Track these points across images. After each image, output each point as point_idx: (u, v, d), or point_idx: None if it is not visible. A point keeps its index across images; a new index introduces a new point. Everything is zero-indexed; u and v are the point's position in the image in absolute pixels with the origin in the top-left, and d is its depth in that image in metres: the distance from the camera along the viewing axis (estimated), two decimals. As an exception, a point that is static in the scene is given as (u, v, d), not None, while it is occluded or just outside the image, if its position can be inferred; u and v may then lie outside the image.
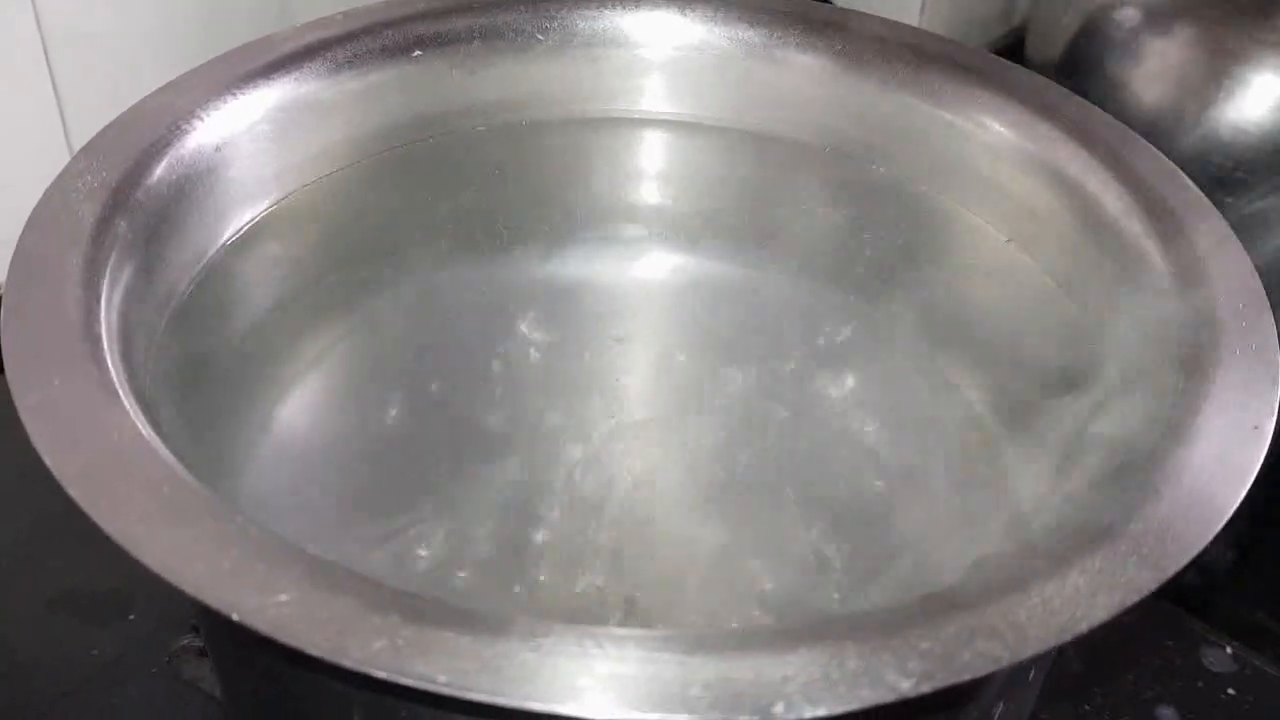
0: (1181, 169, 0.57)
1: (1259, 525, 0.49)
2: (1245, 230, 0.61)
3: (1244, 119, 0.62)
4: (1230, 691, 0.43)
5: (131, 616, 0.43)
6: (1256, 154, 0.62)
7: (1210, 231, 0.34)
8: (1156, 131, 0.63)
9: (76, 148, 0.54)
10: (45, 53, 0.52)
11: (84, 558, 0.44)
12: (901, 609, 0.23)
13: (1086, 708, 0.42)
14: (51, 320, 0.29)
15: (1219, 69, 0.62)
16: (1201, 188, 0.60)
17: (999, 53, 0.84)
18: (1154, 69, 0.65)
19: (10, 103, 0.51)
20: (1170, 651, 0.44)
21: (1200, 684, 0.43)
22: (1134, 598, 0.23)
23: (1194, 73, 0.63)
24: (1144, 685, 0.43)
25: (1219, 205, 0.60)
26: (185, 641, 0.42)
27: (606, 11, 0.44)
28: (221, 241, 0.38)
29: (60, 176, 0.34)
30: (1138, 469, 0.27)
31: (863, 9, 0.71)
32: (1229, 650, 0.44)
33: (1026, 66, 0.71)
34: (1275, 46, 0.61)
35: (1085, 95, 0.64)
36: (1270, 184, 0.63)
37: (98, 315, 0.30)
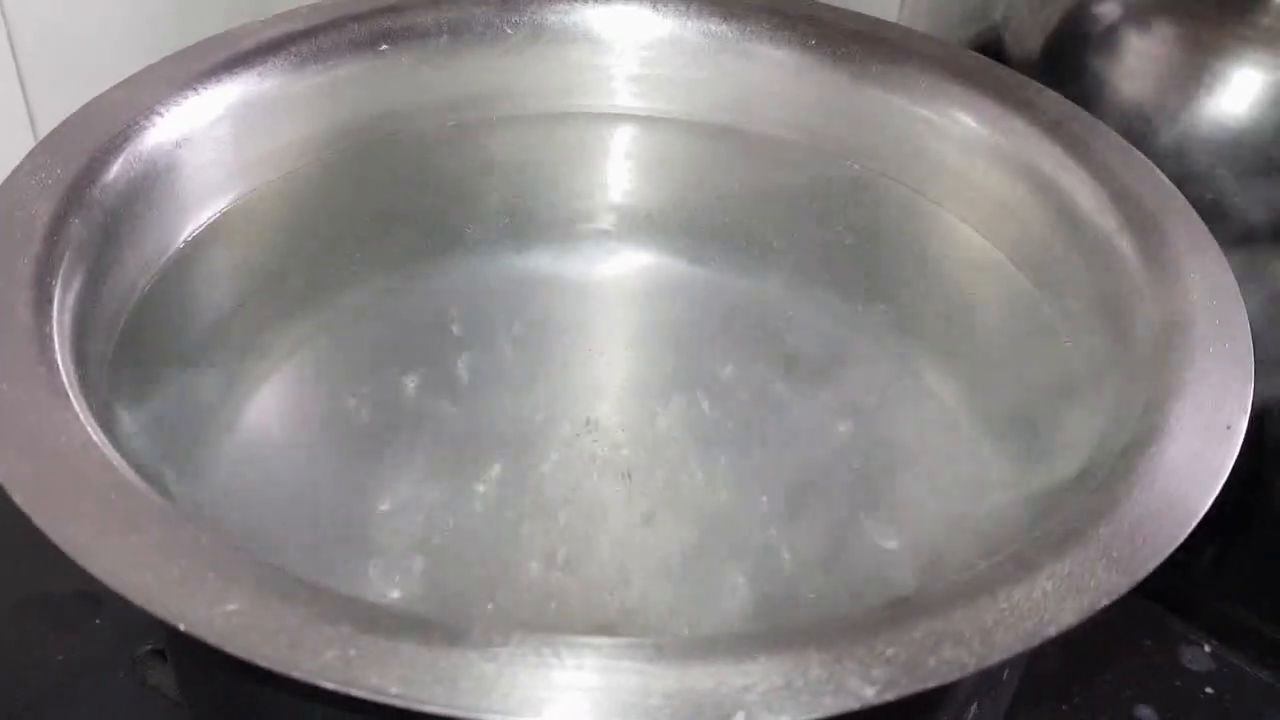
0: (1160, 165, 0.56)
1: (1237, 522, 0.49)
2: (1223, 226, 0.61)
3: (1223, 114, 0.62)
4: (1209, 690, 0.43)
5: (98, 620, 0.43)
6: (1235, 150, 0.62)
7: (1184, 228, 0.34)
8: (1135, 127, 0.62)
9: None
10: (10, 44, 0.51)
11: (50, 561, 0.43)
12: (866, 615, 0.23)
13: (1065, 707, 0.42)
14: (0, 321, 0.29)
15: (1198, 64, 0.62)
16: (1180, 183, 0.60)
17: (978, 48, 0.84)
18: (1133, 64, 0.64)
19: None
20: (1149, 650, 0.44)
21: (1179, 683, 0.43)
22: (1103, 601, 0.23)
23: (1173, 68, 0.63)
24: (1123, 684, 0.43)
25: (1198, 201, 0.60)
26: (149, 647, 0.41)
27: (577, 5, 0.43)
28: (181, 239, 0.38)
29: (13, 174, 0.33)
30: (1108, 469, 0.26)
31: (843, 5, 0.71)
32: (1207, 649, 0.44)
33: (1005, 62, 0.71)
34: (1254, 42, 0.61)
35: (1064, 90, 0.64)
36: (1249, 180, 0.62)
37: (49, 316, 0.30)
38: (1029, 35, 0.70)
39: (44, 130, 0.53)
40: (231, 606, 0.22)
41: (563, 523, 0.32)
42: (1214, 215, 0.60)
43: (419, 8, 0.42)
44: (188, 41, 0.45)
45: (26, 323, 0.29)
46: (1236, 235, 0.61)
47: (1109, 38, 0.64)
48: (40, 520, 0.24)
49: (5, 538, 0.44)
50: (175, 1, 0.55)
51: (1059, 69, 0.67)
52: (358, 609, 0.23)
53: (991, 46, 0.79)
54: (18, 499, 0.24)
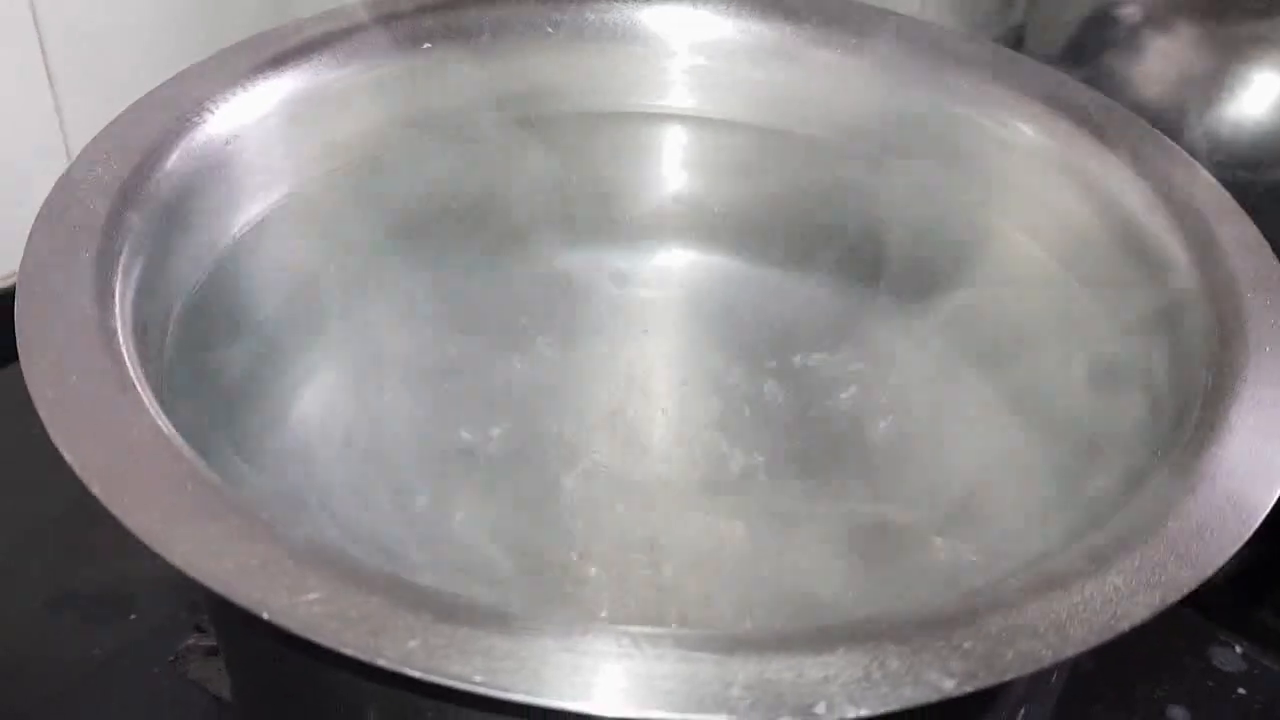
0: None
1: (1269, 525, 0.49)
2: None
3: (1245, 116, 0.62)
4: (1240, 691, 0.43)
5: (132, 616, 0.43)
6: (1258, 151, 0.62)
7: (1233, 227, 0.34)
8: (1158, 127, 0.63)
9: (72, 142, 0.53)
10: (41, 48, 0.51)
11: (85, 557, 0.44)
12: (942, 608, 0.23)
13: (1098, 707, 0.42)
14: (66, 315, 0.29)
15: (1220, 66, 0.62)
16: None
17: (999, 49, 0.84)
18: (1155, 66, 0.65)
19: (6, 98, 0.51)
20: (1180, 651, 0.44)
21: (1210, 683, 0.43)
22: (1174, 596, 0.23)
23: (1195, 70, 0.63)
24: (1154, 685, 0.43)
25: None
26: (192, 641, 0.41)
27: (618, 5, 0.44)
28: (232, 234, 0.38)
29: (70, 169, 0.33)
30: (1172, 467, 0.27)
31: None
32: (1239, 650, 0.44)
33: (1027, 63, 0.71)
34: (1276, 45, 0.61)
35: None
36: (1269, 181, 0.62)
37: (112, 309, 0.30)
38: (1050, 37, 0.71)
39: (71, 126, 0.53)
40: (313, 595, 0.23)
41: (623, 517, 0.32)
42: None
43: (462, 6, 0.42)
44: (212, 39, 0.45)
45: (92, 316, 0.29)
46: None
47: (1130, 39, 0.64)
48: (118, 511, 0.24)
49: (39, 535, 0.45)
50: (202, 5, 0.55)
51: (1079, 70, 0.67)
52: (438, 599, 0.23)
53: (1012, 48, 0.80)
54: (95, 490, 0.24)
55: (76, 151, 0.51)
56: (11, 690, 0.40)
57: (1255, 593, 0.49)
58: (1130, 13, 0.65)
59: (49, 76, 0.52)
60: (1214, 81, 0.62)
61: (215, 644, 0.40)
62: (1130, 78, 0.64)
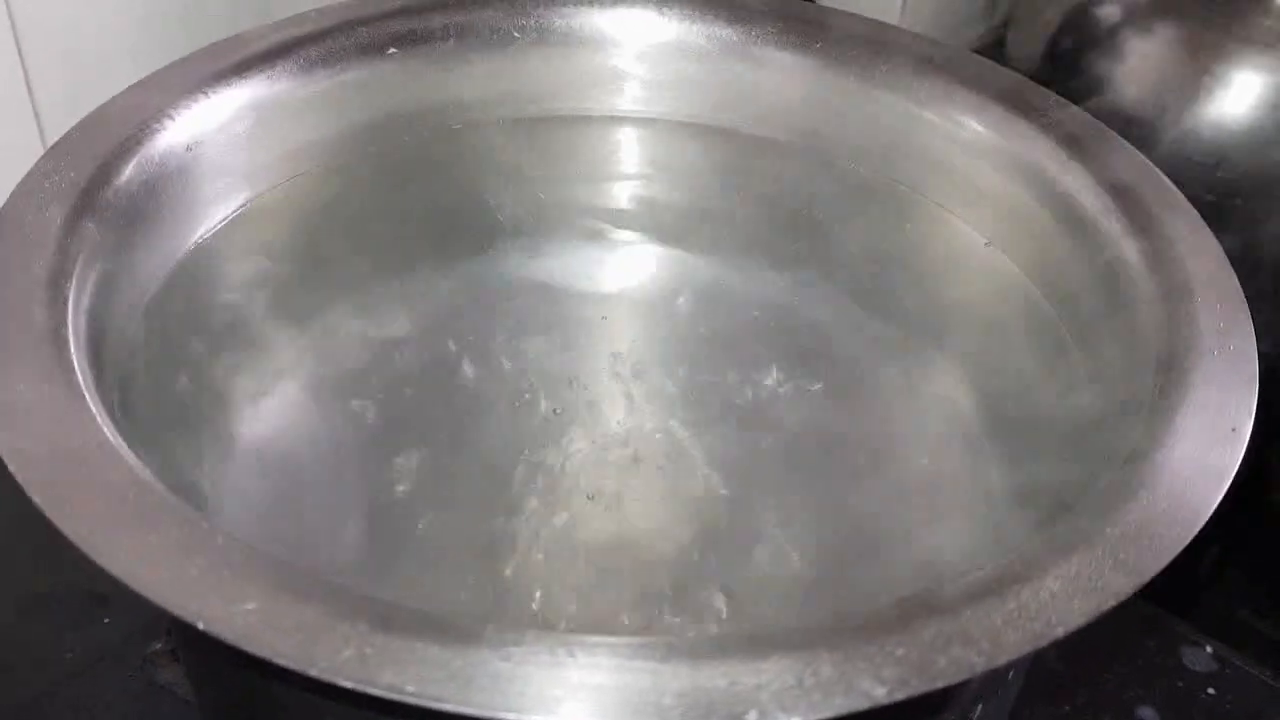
0: (1161, 165, 0.56)
1: (1239, 523, 0.49)
2: (1224, 226, 0.61)
3: (1224, 115, 0.62)
4: (1210, 691, 0.43)
5: (106, 620, 0.43)
6: (1236, 150, 0.62)
7: (1188, 232, 0.34)
8: (1137, 128, 0.63)
9: (50, 141, 0.53)
10: (17, 43, 0.51)
11: (58, 560, 0.43)
12: (876, 614, 0.23)
13: (1067, 708, 0.42)
14: (16, 323, 0.29)
15: (1199, 66, 0.62)
16: (1182, 184, 0.60)
17: (981, 49, 0.84)
18: (1134, 66, 0.65)
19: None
20: (1151, 651, 0.44)
21: (1180, 684, 0.43)
22: (1110, 603, 0.23)
23: (1174, 70, 0.63)
24: (1124, 685, 0.43)
25: (1198, 202, 0.60)
26: (160, 645, 0.41)
27: (584, 9, 0.44)
28: (193, 241, 0.38)
29: (26, 177, 0.33)
30: (1115, 471, 0.27)
31: (845, 6, 0.71)
32: (1209, 650, 0.44)
33: (1008, 63, 0.71)
34: (1255, 44, 0.61)
35: (1066, 92, 0.64)
36: (1250, 180, 0.63)
37: (65, 318, 0.30)
38: (1031, 37, 0.71)
39: (50, 127, 0.53)
40: (249, 605, 0.23)
41: (579, 528, 0.33)
42: (1215, 216, 0.61)
43: (426, 11, 0.42)
44: (192, 40, 0.45)
45: (42, 324, 0.29)
46: (1237, 233, 0.62)
47: (1110, 40, 0.64)
48: (58, 519, 0.24)
49: (14, 537, 0.45)
50: (181, 2, 0.55)
51: (1061, 70, 0.67)
52: (373, 607, 0.23)
53: (993, 48, 0.80)
54: (36, 498, 0.25)
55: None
56: (-15, 692, 0.40)
57: (1226, 592, 0.49)
58: (1110, 12, 0.65)
59: (25, 73, 0.52)
60: (1193, 80, 0.62)
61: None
62: (1110, 77, 0.65)
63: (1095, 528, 0.25)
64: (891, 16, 0.78)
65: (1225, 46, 0.61)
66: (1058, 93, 0.66)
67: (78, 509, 0.24)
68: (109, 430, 0.27)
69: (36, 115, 0.53)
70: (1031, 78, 0.68)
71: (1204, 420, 0.28)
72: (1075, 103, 0.63)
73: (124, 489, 0.25)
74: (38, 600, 0.43)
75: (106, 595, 0.43)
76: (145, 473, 0.26)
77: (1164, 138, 0.63)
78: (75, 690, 0.41)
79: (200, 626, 0.22)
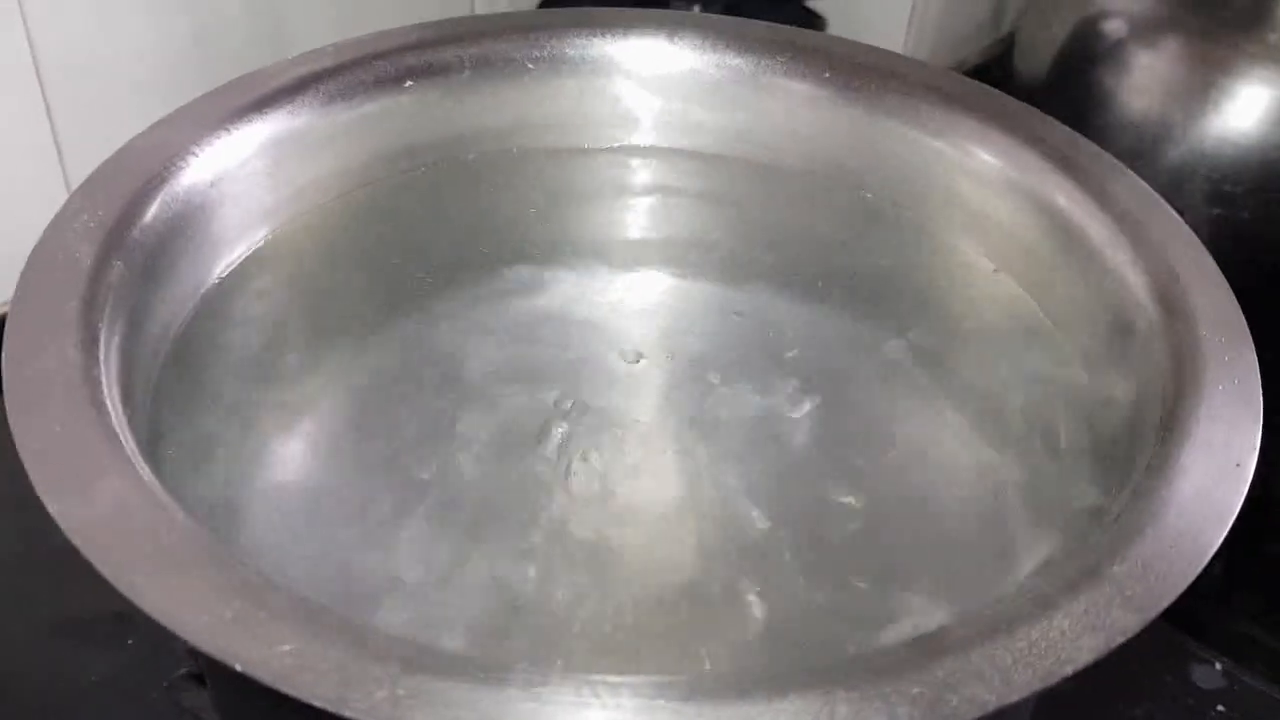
0: (1167, 180, 0.57)
1: (1248, 539, 0.49)
2: (1229, 241, 0.61)
3: (1230, 130, 0.62)
4: (1220, 708, 0.43)
5: (130, 642, 0.43)
6: (1242, 165, 0.62)
7: (1195, 265, 0.34)
8: (1143, 142, 0.63)
9: (71, 172, 0.54)
10: (38, 77, 0.52)
11: (82, 582, 0.44)
12: (890, 653, 0.24)
13: (1075, 726, 0.42)
14: (52, 364, 0.30)
15: (1205, 81, 0.62)
16: (1186, 198, 0.60)
17: (987, 63, 0.85)
18: (1141, 80, 0.65)
19: (4, 129, 0.52)
20: (1159, 668, 0.44)
21: (1190, 701, 0.43)
22: (1118, 640, 0.24)
23: (1180, 84, 0.64)
24: (1134, 702, 0.43)
25: (1204, 216, 0.61)
26: (185, 670, 0.42)
27: (595, 39, 0.44)
28: (216, 275, 0.39)
29: (57, 217, 0.34)
30: (1121, 507, 0.27)
31: (852, 20, 0.72)
32: (1218, 667, 0.44)
33: (1014, 77, 0.71)
34: (1261, 59, 0.62)
35: (1071, 106, 0.65)
36: (1256, 195, 0.63)
37: (97, 357, 0.31)
38: (1037, 51, 0.71)
39: (71, 159, 0.54)
40: (285, 647, 0.23)
41: (596, 559, 0.33)
42: (1220, 230, 0.61)
43: (442, 44, 0.43)
44: (209, 75, 0.46)
45: (77, 364, 0.30)
46: (1242, 248, 0.62)
47: (1116, 53, 0.65)
48: (98, 562, 0.25)
49: (37, 560, 0.45)
50: (196, 37, 0.56)
51: (1067, 84, 0.68)
52: (405, 648, 0.24)
53: (999, 62, 0.80)
54: (75, 540, 0.25)
55: (74, 179, 0.52)
56: (8, 714, 0.41)
57: (1236, 609, 0.49)
58: (1116, 27, 0.66)
59: (46, 106, 0.53)
60: (1199, 94, 0.62)
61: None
62: (1116, 90, 0.65)
63: (1102, 565, 0.25)
64: (899, 29, 0.79)
65: (1232, 61, 0.61)
66: (1064, 105, 0.67)
67: (118, 552, 0.25)
68: (144, 471, 0.28)
69: (57, 145, 0.54)
70: (1038, 90, 0.69)
71: (1209, 456, 0.28)
72: (1082, 116, 0.64)
73: (160, 530, 0.26)
74: (62, 623, 0.44)
75: (130, 618, 0.44)
76: (181, 514, 0.27)
77: (1170, 151, 0.63)
78: (98, 712, 0.41)
79: (238, 668, 0.23)
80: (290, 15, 0.59)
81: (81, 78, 0.53)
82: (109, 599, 0.43)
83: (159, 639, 0.43)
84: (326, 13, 0.60)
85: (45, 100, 0.53)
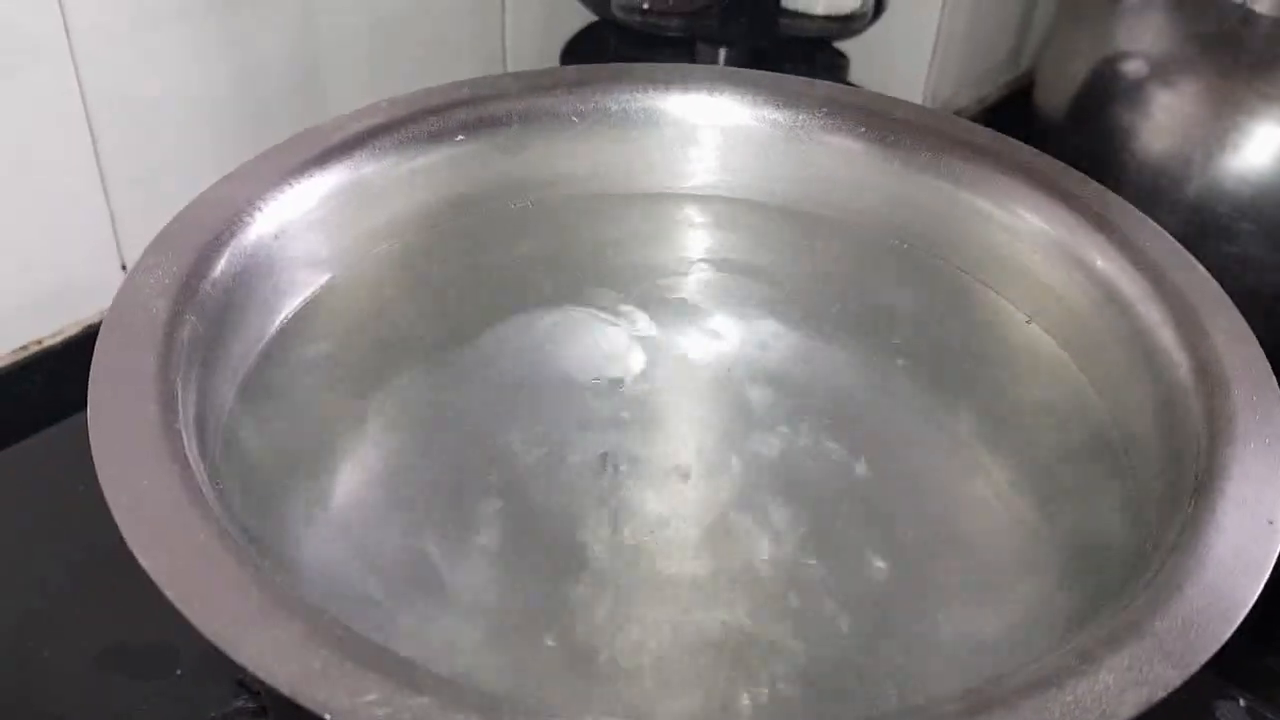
0: (1185, 218, 0.57)
1: (1273, 575, 0.50)
2: (1246, 279, 0.62)
3: (1247, 168, 0.63)
4: (1243, 744, 0.44)
5: (178, 671, 0.44)
6: (1260, 203, 0.63)
7: (1224, 320, 0.35)
8: (1162, 180, 0.64)
9: (117, 209, 0.56)
10: (87, 116, 0.54)
11: (129, 612, 0.45)
12: (942, 704, 0.25)
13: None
14: (135, 419, 0.31)
15: (1223, 120, 0.63)
16: (1204, 237, 0.61)
17: (1006, 99, 0.86)
18: (1159, 119, 0.66)
19: (53, 166, 0.53)
20: (1182, 704, 0.45)
21: (1214, 737, 0.44)
22: (1160, 694, 0.25)
23: (1198, 123, 0.65)
24: (1159, 739, 0.44)
25: (1222, 255, 0.61)
26: (240, 703, 0.43)
27: (638, 95, 0.46)
28: (277, 323, 0.40)
29: (132, 272, 0.36)
30: (1159, 565, 0.29)
31: (878, 59, 0.73)
32: (1242, 703, 0.45)
33: (1035, 115, 0.72)
34: (1277, 99, 0.63)
35: (1092, 144, 0.66)
36: (1274, 234, 0.64)
37: (176, 410, 0.32)
38: (1056, 89, 0.72)
39: (115, 192, 0.55)
40: (371, 697, 0.25)
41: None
42: (1238, 269, 0.62)
43: (492, 100, 0.45)
44: (246, 111, 0.47)
45: (157, 420, 0.31)
46: (1259, 286, 0.63)
47: (1136, 93, 0.66)
48: (190, 615, 0.26)
49: (85, 590, 0.47)
50: (234, 74, 0.57)
51: (1086, 123, 0.69)
52: (483, 698, 0.25)
53: (1019, 99, 0.81)
54: (169, 594, 0.27)
55: (119, 215, 0.52)
56: (54, 745, 0.42)
57: (1259, 644, 0.50)
58: (1135, 66, 0.67)
59: (95, 149, 0.54)
60: (1217, 133, 0.63)
61: (261, 706, 0.42)
62: (1135, 129, 0.66)
63: (1144, 621, 0.27)
64: (921, 67, 0.80)
65: (1249, 101, 0.63)
66: (1083, 143, 0.67)
67: (209, 606, 0.26)
68: (229, 524, 0.29)
69: (105, 189, 0.55)
70: (1058, 128, 0.70)
71: (1242, 513, 0.29)
72: (1101, 153, 0.65)
73: (248, 584, 0.27)
74: (111, 652, 0.45)
75: (177, 648, 0.45)
76: (264, 567, 0.28)
77: (1189, 190, 0.64)
78: (148, 742, 0.42)
79: (328, 719, 0.24)
80: (327, 63, 0.60)
81: (128, 118, 0.55)
82: (155, 630, 0.44)
83: (205, 670, 0.44)
84: (361, 63, 0.62)
85: (93, 138, 0.54)
